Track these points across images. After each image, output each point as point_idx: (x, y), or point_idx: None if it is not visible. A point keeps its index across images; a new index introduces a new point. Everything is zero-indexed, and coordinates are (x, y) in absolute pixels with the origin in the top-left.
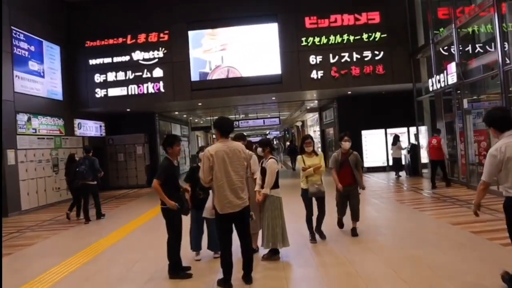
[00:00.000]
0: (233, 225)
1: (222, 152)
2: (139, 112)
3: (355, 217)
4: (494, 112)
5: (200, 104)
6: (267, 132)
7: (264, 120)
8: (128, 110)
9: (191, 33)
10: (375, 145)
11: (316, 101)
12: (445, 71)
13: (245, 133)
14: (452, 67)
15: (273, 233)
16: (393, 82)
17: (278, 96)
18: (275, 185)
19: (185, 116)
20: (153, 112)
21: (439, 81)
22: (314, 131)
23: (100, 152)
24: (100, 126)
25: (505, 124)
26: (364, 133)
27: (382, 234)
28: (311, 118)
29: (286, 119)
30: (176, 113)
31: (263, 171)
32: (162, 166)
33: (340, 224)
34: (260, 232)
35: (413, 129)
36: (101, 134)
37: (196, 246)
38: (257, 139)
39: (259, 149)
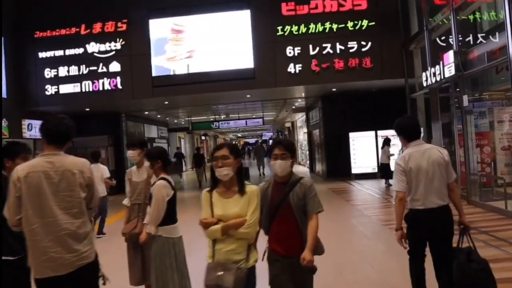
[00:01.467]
0: None
1: (40, 174)
2: (104, 112)
3: None
4: (404, 120)
5: (166, 103)
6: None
7: (246, 121)
8: (87, 109)
9: (153, 39)
10: (364, 149)
11: (300, 100)
12: (441, 62)
13: (239, 134)
14: (449, 56)
15: None
16: (382, 77)
17: (254, 94)
18: (168, 220)
19: (159, 116)
20: (119, 112)
21: (434, 75)
22: (304, 133)
23: None
24: None
25: (413, 133)
26: (352, 135)
27: None
28: (301, 119)
29: (275, 120)
30: (146, 113)
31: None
32: None
33: None
34: None
35: None
36: None
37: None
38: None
39: (146, 163)
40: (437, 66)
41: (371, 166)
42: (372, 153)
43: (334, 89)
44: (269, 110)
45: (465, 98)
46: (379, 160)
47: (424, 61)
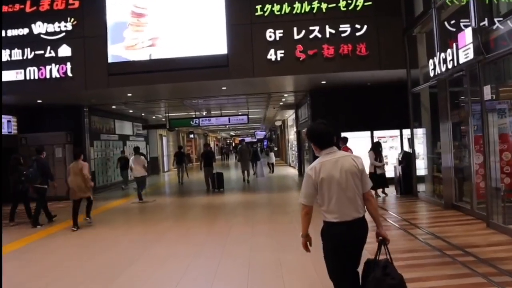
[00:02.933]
0: None
1: None
2: (62, 105)
3: None
4: (316, 126)
5: (130, 95)
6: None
7: (229, 118)
8: (39, 101)
9: (110, 23)
10: (358, 152)
11: (286, 95)
12: (454, 45)
13: (232, 133)
14: (466, 36)
15: None
16: (380, 67)
17: (230, 86)
18: None
19: (131, 111)
20: (80, 105)
21: (444, 61)
22: (295, 132)
23: (10, 154)
24: (9, 121)
25: (325, 140)
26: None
27: None
28: (291, 117)
29: (264, 118)
30: (114, 107)
31: None
32: None
33: None
34: None
35: (407, 132)
36: (11, 132)
37: None
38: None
39: None
40: (449, 51)
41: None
42: (367, 157)
43: (323, 82)
44: (254, 107)
45: (487, 89)
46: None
47: (430, 49)
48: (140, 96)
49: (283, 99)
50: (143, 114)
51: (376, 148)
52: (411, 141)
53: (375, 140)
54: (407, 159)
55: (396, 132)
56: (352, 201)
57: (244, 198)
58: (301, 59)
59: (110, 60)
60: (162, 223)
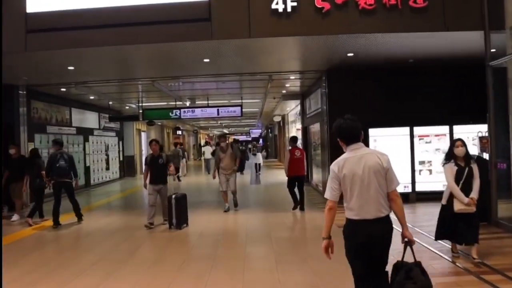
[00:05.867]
0: None
1: None
2: None
3: None
4: (342, 121)
5: (71, 68)
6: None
7: (218, 110)
8: None
9: None
10: (393, 155)
11: (292, 77)
12: None
13: (226, 130)
14: None
15: None
16: (445, 27)
17: (215, 57)
18: None
19: (93, 98)
20: (11, 85)
21: None
22: (297, 130)
23: None
24: None
25: (350, 136)
26: (374, 133)
27: None
28: (293, 112)
29: (262, 112)
30: (64, 89)
31: None
32: None
33: None
34: None
35: (463, 129)
36: None
37: None
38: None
39: None
40: None
41: (403, 182)
42: (405, 162)
43: (350, 54)
44: (250, 96)
45: None
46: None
47: None
48: (85, 72)
49: (287, 85)
50: (110, 103)
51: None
52: (482, 141)
53: (419, 138)
54: (483, 168)
55: (444, 129)
56: (374, 199)
57: (226, 223)
58: (323, 11)
59: (29, 9)
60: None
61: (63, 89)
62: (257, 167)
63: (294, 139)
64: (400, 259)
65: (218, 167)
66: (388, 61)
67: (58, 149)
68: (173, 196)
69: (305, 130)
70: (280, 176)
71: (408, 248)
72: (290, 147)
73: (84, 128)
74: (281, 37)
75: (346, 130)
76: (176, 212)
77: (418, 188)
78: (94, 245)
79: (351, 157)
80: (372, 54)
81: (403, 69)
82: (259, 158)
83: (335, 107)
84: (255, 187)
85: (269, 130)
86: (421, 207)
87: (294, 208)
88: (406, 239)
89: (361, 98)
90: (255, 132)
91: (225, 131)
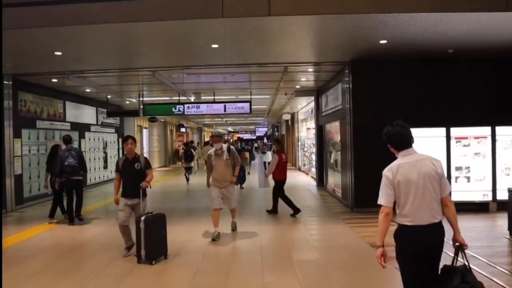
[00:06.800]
0: None
1: None
2: None
3: None
4: (390, 128)
5: (59, 53)
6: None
7: (225, 106)
8: None
9: None
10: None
11: (310, 69)
12: None
13: (230, 128)
14: None
15: None
16: (507, 7)
17: (224, 41)
18: None
19: (89, 90)
20: None
21: None
22: (307, 129)
23: None
24: None
25: (402, 142)
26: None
27: None
28: (304, 110)
29: (270, 109)
30: (55, 80)
31: None
32: None
33: None
34: None
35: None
36: None
37: None
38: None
39: None
40: None
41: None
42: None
43: (382, 41)
44: (260, 91)
45: None
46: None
47: None
48: (75, 59)
49: (303, 79)
50: (109, 97)
51: None
52: None
53: (456, 141)
54: None
55: (485, 130)
56: (429, 205)
57: (232, 241)
58: None
59: None
60: None
61: (54, 80)
62: (266, 166)
63: (279, 140)
64: (448, 263)
65: (210, 175)
66: (424, 51)
67: (66, 146)
68: (142, 219)
69: (320, 129)
70: (289, 178)
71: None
72: (274, 149)
73: (79, 123)
74: (304, 16)
75: (395, 137)
76: (146, 240)
77: (454, 197)
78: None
79: (404, 163)
80: (407, 41)
81: (440, 61)
82: (269, 156)
83: (360, 104)
84: (264, 191)
85: (276, 129)
86: (459, 221)
87: (296, 214)
88: (457, 244)
89: (389, 93)
90: (261, 131)
91: (230, 129)
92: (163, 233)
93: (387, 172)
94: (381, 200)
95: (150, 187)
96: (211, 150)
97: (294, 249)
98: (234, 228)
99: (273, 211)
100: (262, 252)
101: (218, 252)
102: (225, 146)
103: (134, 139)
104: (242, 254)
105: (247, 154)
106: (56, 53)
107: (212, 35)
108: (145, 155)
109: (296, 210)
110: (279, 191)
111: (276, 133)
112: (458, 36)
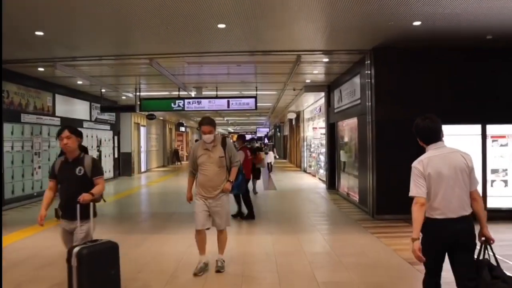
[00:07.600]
0: None
1: None
2: None
3: None
4: (421, 121)
5: (40, 33)
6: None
7: (229, 101)
8: None
9: None
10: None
11: (325, 59)
12: None
13: (230, 129)
14: None
15: None
16: None
17: (232, 19)
18: None
19: (81, 83)
20: None
21: None
22: (313, 128)
23: None
24: None
25: (430, 136)
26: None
27: None
28: (310, 108)
29: (274, 107)
30: (42, 69)
31: None
32: None
33: None
34: None
35: None
36: None
37: None
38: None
39: None
40: None
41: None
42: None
43: (417, 23)
44: (266, 85)
45: None
46: None
47: None
48: (61, 42)
49: (315, 71)
50: (103, 90)
51: None
52: None
53: (491, 140)
54: None
55: None
56: (459, 198)
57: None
58: None
59: None
60: None
61: (41, 69)
62: (269, 167)
63: (242, 137)
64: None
65: (192, 180)
66: (459, 37)
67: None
68: (75, 251)
69: (331, 127)
70: (296, 180)
71: None
72: (238, 146)
73: (70, 118)
74: None
75: (424, 131)
76: (80, 284)
77: (490, 203)
78: None
79: (434, 156)
80: (443, 24)
81: (476, 50)
82: (271, 156)
83: (383, 98)
84: (270, 194)
85: (278, 129)
86: (495, 230)
87: (246, 218)
88: (483, 238)
89: (418, 86)
90: (262, 131)
91: (230, 129)
92: (112, 272)
93: (417, 164)
94: (413, 192)
95: (104, 201)
96: (197, 143)
97: (317, 267)
98: (220, 269)
99: (250, 216)
100: (279, 270)
101: (223, 273)
102: (218, 138)
103: (76, 132)
104: (254, 273)
105: (263, 155)
106: (37, 33)
107: (220, 11)
108: (143, 154)
109: (251, 215)
110: (248, 192)
111: (278, 134)
112: (499, 20)
